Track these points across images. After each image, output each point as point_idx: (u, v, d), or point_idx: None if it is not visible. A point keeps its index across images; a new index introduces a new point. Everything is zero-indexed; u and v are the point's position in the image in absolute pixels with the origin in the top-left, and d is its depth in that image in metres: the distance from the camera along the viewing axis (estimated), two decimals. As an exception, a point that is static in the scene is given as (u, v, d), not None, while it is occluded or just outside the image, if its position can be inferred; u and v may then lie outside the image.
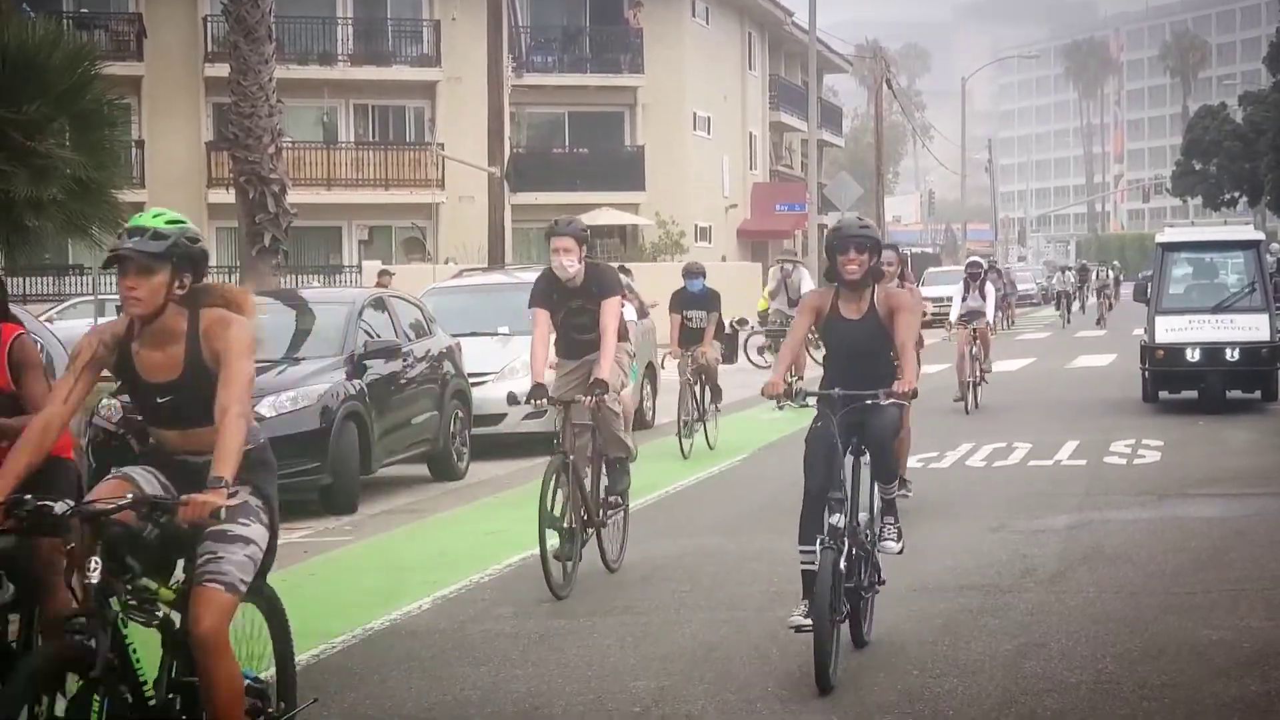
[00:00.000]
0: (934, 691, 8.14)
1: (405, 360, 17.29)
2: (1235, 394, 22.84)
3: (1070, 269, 64.94)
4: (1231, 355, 22.33)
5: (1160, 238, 25.15)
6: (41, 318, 18.91)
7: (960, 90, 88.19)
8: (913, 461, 17.71)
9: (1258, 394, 23.04)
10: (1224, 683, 8.21)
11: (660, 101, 55.25)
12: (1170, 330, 22.67)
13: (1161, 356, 22.69)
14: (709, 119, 58.85)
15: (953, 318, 24.59)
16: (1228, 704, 7.84)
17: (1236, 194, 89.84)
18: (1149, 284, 23.97)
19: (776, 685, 8.37)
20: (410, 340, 17.73)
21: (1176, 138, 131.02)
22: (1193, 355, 22.44)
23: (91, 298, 33.98)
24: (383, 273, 32.89)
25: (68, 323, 34.07)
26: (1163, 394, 23.31)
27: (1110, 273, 64.26)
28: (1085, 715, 7.69)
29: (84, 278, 41.05)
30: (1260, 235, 25.26)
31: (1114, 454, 18.06)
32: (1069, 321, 53.96)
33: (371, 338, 16.88)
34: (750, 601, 10.60)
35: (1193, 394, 22.88)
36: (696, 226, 56.66)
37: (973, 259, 26.55)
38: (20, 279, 41.38)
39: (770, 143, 69.16)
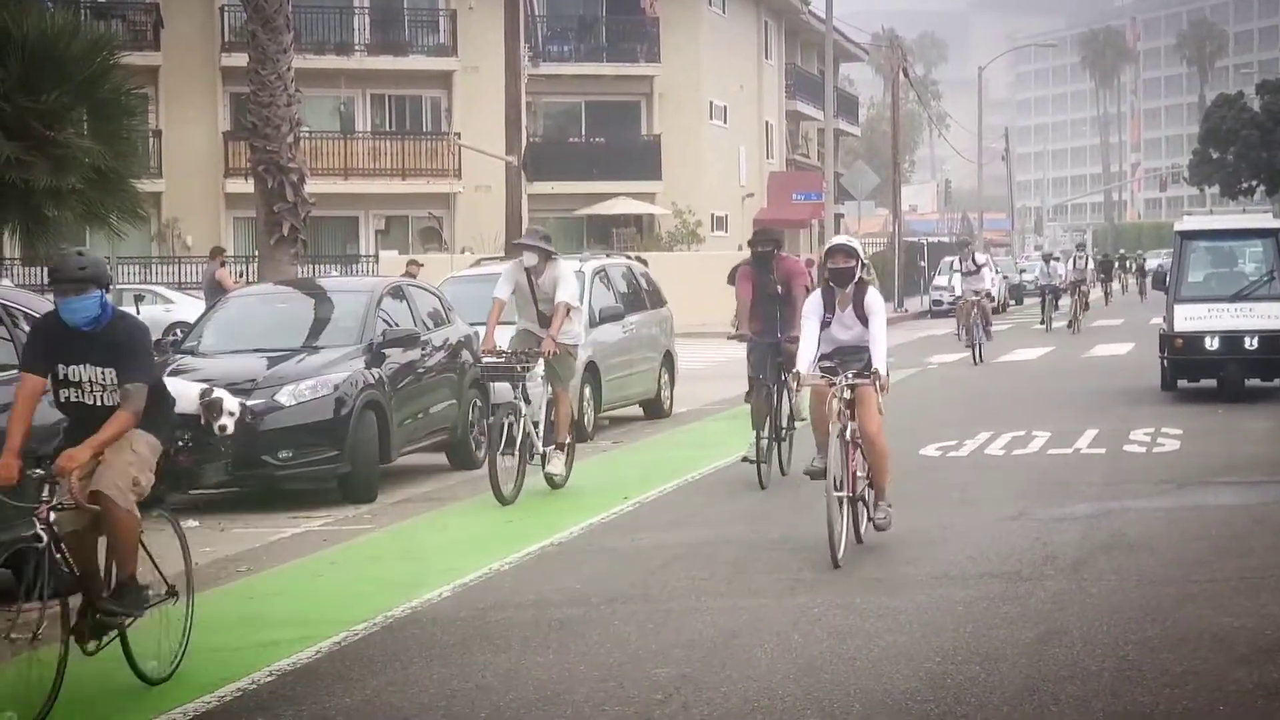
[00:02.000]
0: (956, 679, 8.14)
1: (424, 349, 17.29)
2: (1254, 382, 22.77)
3: (1055, 258, 50.63)
4: (1251, 344, 22.26)
5: (1179, 226, 25.06)
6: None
7: (977, 79, 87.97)
8: (932, 450, 17.76)
9: (1277, 382, 22.97)
10: (1246, 670, 8.20)
11: (676, 91, 55.20)
12: (1189, 319, 22.60)
13: (1180, 345, 22.62)
14: (725, 108, 58.80)
15: (802, 366, 11.86)
16: (1250, 691, 7.83)
17: (1254, 183, 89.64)
18: (1168, 272, 23.90)
19: (798, 671, 8.37)
20: (429, 329, 17.72)
21: (1193, 126, 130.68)
22: (1212, 344, 22.37)
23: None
24: (411, 262, 33.01)
25: (86, 312, 34.14)
26: (1181, 382, 23.25)
27: (1090, 261, 50.87)
28: (1107, 703, 7.68)
29: (102, 267, 41.05)
30: (1279, 223, 25.16)
31: (1133, 442, 18.02)
32: (1050, 325, 42.89)
33: (390, 326, 16.89)
34: (770, 589, 10.60)
35: (1212, 382, 22.81)
36: (713, 216, 56.64)
37: (836, 242, 12.39)
38: (39, 268, 41.45)
39: (787, 132, 69.08)
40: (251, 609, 10.53)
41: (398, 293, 17.97)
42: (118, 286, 33.99)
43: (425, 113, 53.19)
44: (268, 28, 22.28)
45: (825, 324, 12.05)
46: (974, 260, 33.60)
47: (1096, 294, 57.12)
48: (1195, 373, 23.05)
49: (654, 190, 53.77)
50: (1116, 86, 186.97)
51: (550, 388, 15.51)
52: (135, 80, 25.10)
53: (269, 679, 8.61)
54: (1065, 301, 44.90)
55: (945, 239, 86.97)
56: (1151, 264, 73.76)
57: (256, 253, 26.02)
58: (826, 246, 12.68)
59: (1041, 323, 43.45)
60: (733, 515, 13.90)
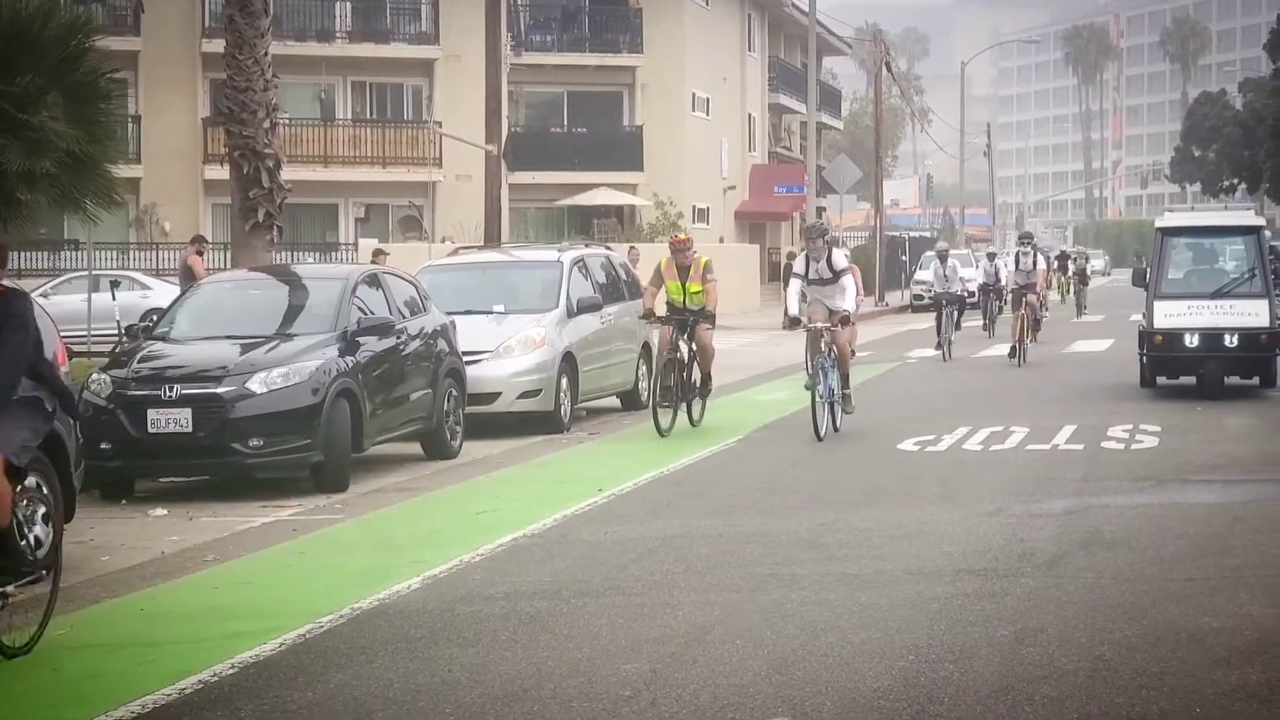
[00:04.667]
0: (929, 677, 8.02)
1: (399, 338, 17.15)
2: (1234, 380, 22.71)
3: (995, 255, 39.82)
4: (1230, 341, 22.19)
5: (1160, 222, 24.98)
6: (36, 292, 18.79)
7: (959, 74, 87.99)
8: (909, 445, 17.68)
9: (1256, 380, 22.91)
10: (1224, 671, 8.09)
11: (659, 82, 55.07)
12: (1169, 315, 22.52)
13: (1160, 342, 22.55)
14: (708, 100, 58.66)
15: None
16: (1228, 692, 7.72)
17: (1236, 181, 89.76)
18: (1148, 269, 23.80)
19: (770, 668, 8.25)
20: (405, 318, 17.57)
21: (1176, 124, 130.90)
22: (1191, 341, 22.30)
23: (86, 272, 33.80)
24: (377, 252, 32.75)
25: (62, 297, 33.93)
26: (1161, 379, 23.18)
27: (1040, 260, 34.30)
28: (1083, 703, 7.57)
29: (79, 252, 40.93)
30: (1260, 220, 25.10)
31: (1112, 439, 17.93)
32: (948, 354, 30.86)
33: (365, 314, 16.74)
34: (743, 583, 10.47)
35: (1191, 380, 22.75)
36: (694, 207, 56.49)
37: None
38: (15, 254, 41.25)
39: (769, 124, 68.97)
40: (216, 599, 10.39)
41: (373, 281, 17.82)
42: (94, 271, 33.78)
43: (406, 101, 53.00)
44: (245, 12, 22.14)
45: None
46: (830, 263, 19.08)
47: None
48: (1174, 369, 22.98)
49: (635, 181, 53.64)
50: (1099, 83, 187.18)
51: None
52: (114, 65, 24.90)
53: (231, 671, 8.46)
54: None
55: (927, 234, 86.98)
56: (1096, 264, 70.94)
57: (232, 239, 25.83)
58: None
59: (937, 346, 31.38)
60: (706, 509, 13.77)
